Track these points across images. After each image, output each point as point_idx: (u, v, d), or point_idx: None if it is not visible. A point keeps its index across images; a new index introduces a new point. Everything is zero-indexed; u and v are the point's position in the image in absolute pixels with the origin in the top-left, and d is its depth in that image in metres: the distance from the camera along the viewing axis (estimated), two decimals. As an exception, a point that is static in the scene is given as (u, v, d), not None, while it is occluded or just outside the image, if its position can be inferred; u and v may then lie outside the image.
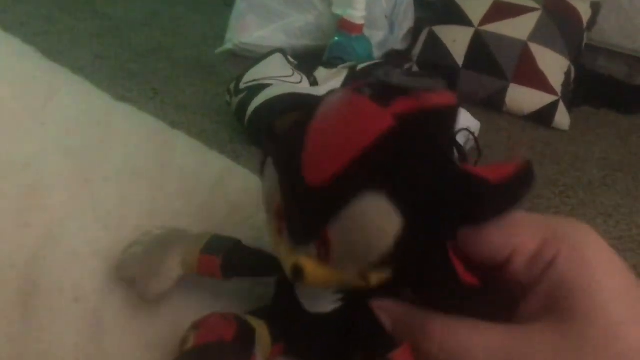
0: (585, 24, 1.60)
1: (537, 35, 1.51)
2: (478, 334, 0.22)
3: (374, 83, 0.22)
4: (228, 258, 0.28)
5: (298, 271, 0.22)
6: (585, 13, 1.60)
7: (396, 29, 1.69)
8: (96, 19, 1.75)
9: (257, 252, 0.28)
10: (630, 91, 1.71)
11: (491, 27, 1.54)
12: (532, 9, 1.56)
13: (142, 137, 0.44)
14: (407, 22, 1.73)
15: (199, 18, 1.87)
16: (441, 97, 0.22)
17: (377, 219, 0.20)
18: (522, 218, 0.22)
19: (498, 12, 1.56)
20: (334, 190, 0.20)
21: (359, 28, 1.49)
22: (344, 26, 1.49)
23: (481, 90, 1.50)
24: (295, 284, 0.25)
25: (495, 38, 1.52)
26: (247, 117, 1.15)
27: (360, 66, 1.25)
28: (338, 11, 1.51)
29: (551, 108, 1.47)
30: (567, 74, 1.52)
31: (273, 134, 0.25)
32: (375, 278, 0.22)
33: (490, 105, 1.51)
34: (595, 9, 1.64)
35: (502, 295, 0.24)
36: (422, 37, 1.63)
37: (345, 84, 1.20)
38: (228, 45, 1.60)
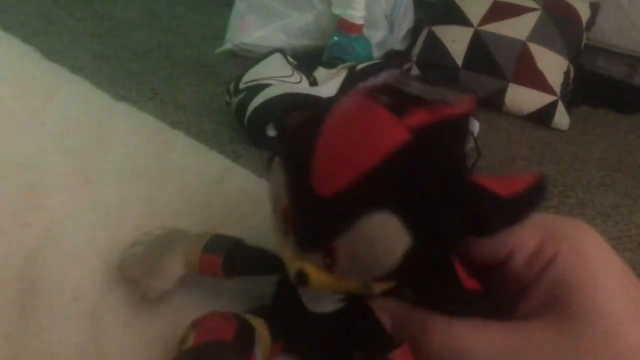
0: (584, 24, 1.60)
1: (537, 35, 1.51)
2: (478, 331, 0.22)
3: (389, 89, 0.21)
4: (229, 257, 0.28)
5: (302, 277, 0.22)
6: (584, 13, 1.60)
7: (396, 29, 1.69)
8: (96, 19, 1.75)
9: (259, 250, 0.28)
10: (629, 91, 1.71)
11: (490, 27, 1.54)
12: (531, 9, 1.56)
13: (141, 137, 0.44)
14: (406, 22, 1.73)
15: (199, 18, 1.87)
16: (458, 106, 0.21)
17: (387, 238, 0.20)
18: None
19: (497, 12, 1.56)
20: (345, 204, 0.20)
21: (359, 28, 1.49)
22: (343, 26, 1.49)
23: (480, 90, 1.50)
24: (298, 288, 0.25)
25: (494, 38, 1.52)
26: (246, 117, 1.15)
27: (359, 66, 1.25)
28: (337, 11, 1.51)
29: (550, 108, 1.47)
30: (567, 74, 1.52)
31: (283, 131, 0.24)
32: (380, 288, 0.22)
33: (489, 105, 1.51)
34: (595, 9, 1.64)
35: (502, 299, 0.24)
36: (422, 37, 1.63)
37: (345, 83, 1.20)
38: (228, 45, 1.59)
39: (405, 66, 1.44)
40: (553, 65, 1.50)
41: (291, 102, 1.10)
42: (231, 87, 1.20)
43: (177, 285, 0.29)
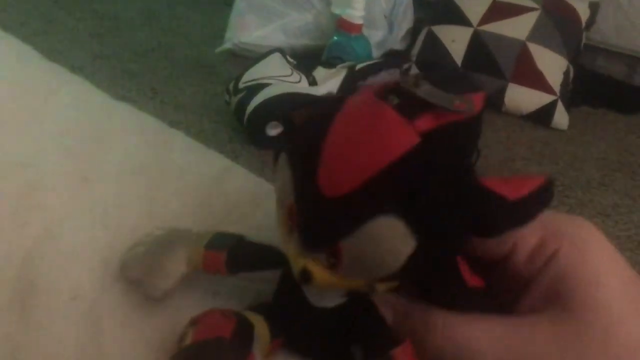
0: (583, 24, 1.60)
1: (536, 35, 1.51)
2: (480, 325, 0.22)
3: (398, 89, 0.21)
4: (233, 253, 0.28)
5: (306, 275, 0.22)
6: (583, 13, 1.60)
7: (395, 29, 1.69)
8: (96, 18, 1.75)
9: (262, 246, 0.28)
10: (629, 91, 1.71)
11: (490, 27, 1.54)
12: (530, 9, 1.56)
13: (141, 136, 0.44)
14: (406, 21, 1.73)
15: (199, 18, 1.87)
16: (467, 108, 0.21)
17: (392, 241, 0.20)
18: None
19: (497, 12, 1.56)
20: (351, 206, 0.20)
21: (358, 28, 1.49)
22: (343, 26, 1.49)
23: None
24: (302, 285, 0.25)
25: (494, 38, 1.52)
26: (246, 117, 1.15)
27: (359, 66, 1.25)
28: (337, 11, 1.51)
29: (550, 108, 1.47)
30: (566, 73, 1.52)
31: (290, 127, 0.24)
32: (383, 287, 0.22)
33: (489, 105, 1.51)
34: (594, 8, 1.64)
35: (503, 295, 0.24)
36: (421, 37, 1.63)
37: (344, 83, 1.20)
38: (227, 45, 1.59)
39: (405, 66, 1.44)
40: (552, 65, 1.51)
41: (290, 102, 1.10)
42: (231, 86, 1.20)
43: (180, 284, 0.29)
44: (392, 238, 0.20)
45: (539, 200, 0.21)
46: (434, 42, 1.59)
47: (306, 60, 1.35)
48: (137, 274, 0.29)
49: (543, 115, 1.47)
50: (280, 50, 1.26)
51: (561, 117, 1.47)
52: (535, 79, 1.48)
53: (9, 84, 0.47)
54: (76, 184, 0.37)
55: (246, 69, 1.20)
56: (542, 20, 1.54)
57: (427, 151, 0.20)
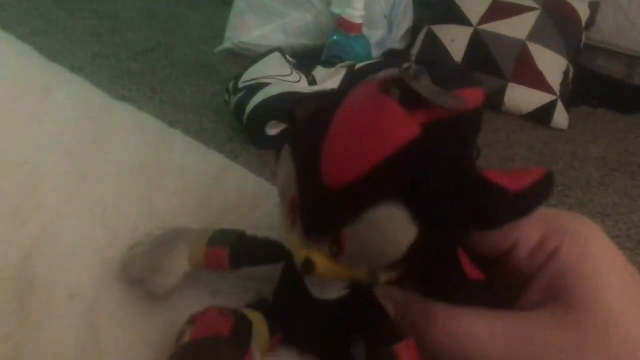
0: (583, 24, 1.60)
1: (536, 34, 1.51)
2: (481, 319, 0.22)
3: (400, 82, 0.21)
4: (235, 249, 0.28)
5: (309, 265, 0.22)
6: (583, 13, 1.60)
7: (395, 29, 1.69)
8: (95, 18, 1.75)
9: (263, 241, 0.29)
10: (628, 91, 1.71)
11: (490, 27, 1.54)
12: (530, 9, 1.56)
13: (141, 136, 0.44)
14: (406, 21, 1.73)
15: (198, 17, 1.87)
16: (469, 102, 0.21)
17: (394, 229, 0.20)
18: None
19: (497, 12, 1.56)
20: (353, 196, 0.20)
21: (358, 27, 1.49)
22: (342, 25, 1.49)
23: (480, 89, 1.50)
24: (304, 276, 0.25)
25: (494, 37, 1.52)
26: (245, 116, 1.15)
27: (358, 65, 1.25)
28: (337, 10, 1.51)
29: (550, 107, 1.47)
30: (566, 73, 1.52)
31: (293, 121, 0.24)
32: (385, 277, 0.23)
33: (489, 104, 1.51)
34: (594, 8, 1.64)
35: (504, 291, 0.24)
36: (421, 37, 1.63)
37: (344, 82, 1.20)
38: (227, 45, 1.59)
39: (405, 65, 1.43)
40: (552, 65, 1.51)
41: (290, 102, 1.10)
42: (230, 86, 1.20)
43: (183, 282, 0.29)
44: (394, 226, 0.20)
45: (540, 192, 0.21)
46: (433, 41, 1.59)
47: (306, 59, 1.35)
48: (139, 273, 0.29)
49: (543, 115, 1.47)
50: (280, 50, 1.26)
51: (561, 117, 1.47)
52: (535, 79, 1.48)
53: (9, 84, 0.47)
54: (76, 184, 0.37)
55: (246, 68, 1.20)
56: (542, 20, 1.54)
57: (429, 142, 0.20)
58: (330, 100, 0.22)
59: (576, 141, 1.43)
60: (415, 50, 1.62)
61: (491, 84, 1.50)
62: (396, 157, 0.20)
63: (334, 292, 0.25)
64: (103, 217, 0.35)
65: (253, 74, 1.18)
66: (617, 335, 0.20)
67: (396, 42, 1.71)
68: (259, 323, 0.26)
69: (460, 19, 1.58)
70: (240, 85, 1.17)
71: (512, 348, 0.21)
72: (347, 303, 0.25)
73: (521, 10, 1.56)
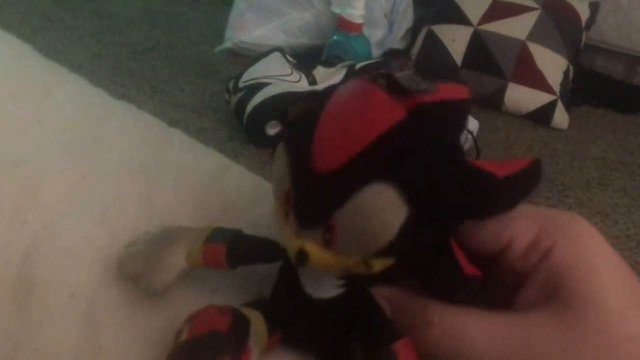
0: (583, 24, 1.60)
1: (536, 34, 1.52)
2: (479, 320, 0.22)
3: (386, 75, 0.22)
4: (232, 247, 0.28)
5: (303, 255, 0.22)
6: (583, 13, 1.60)
7: (395, 28, 1.69)
8: (95, 17, 1.75)
9: (260, 239, 0.29)
10: (628, 91, 1.71)
11: (490, 27, 1.54)
12: (530, 9, 1.56)
13: (140, 135, 0.44)
14: (406, 21, 1.73)
15: (198, 16, 1.87)
16: (455, 91, 0.22)
17: (383, 210, 0.20)
18: (519, 209, 0.22)
19: (497, 12, 1.56)
20: (342, 178, 0.21)
21: (358, 27, 1.49)
22: (342, 25, 1.49)
23: (480, 89, 1.51)
24: (299, 268, 0.25)
25: (494, 37, 1.52)
26: (245, 116, 1.15)
27: (358, 65, 1.25)
28: (337, 10, 1.51)
29: (550, 107, 1.47)
30: (566, 73, 1.52)
31: (286, 120, 0.25)
32: (379, 265, 0.23)
33: (488, 104, 1.51)
34: (594, 8, 1.65)
35: (500, 290, 0.24)
36: (421, 36, 1.63)
37: (344, 81, 1.20)
38: (227, 44, 1.60)
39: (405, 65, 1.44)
40: (552, 65, 1.51)
41: (290, 101, 1.10)
42: (230, 85, 1.20)
43: (180, 279, 0.29)
44: (383, 206, 0.20)
45: (529, 178, 0.21)
46: (433, 41, 1.59)
47: (306, 59, 1.35)
48: (136, 270, 0.29)
49: (543, 115, 1.47)
50: (280, 50, 1.26)
51: (561, 117, 1.47)
52: (535, 79, 1.48)
53: (7, 83, 0.47)
54: (75, 183, 0.37)
55: (246, 68, 1.20)
56: (542, 20, 1.54)
57: (415, 125, 0.21)
58: (321, 96, 0.23)
59: (576, 141, 1.43)
60: (415, 50, 1.62)
61: (491, 84, 1.50)
62: (382, 139, 0.20)
63: (329, 290, 0.25)
64: (103, 217, 0.35)
65: (253, 73, 1.18)
66: (617, 334, 0.20)
67: (396, 41, 1.71)
68: (257, 321, 0.26)
69: (461, 19, 1.58)
70: (241, 84, 1.17)
71: (512, 348, 0.21)
72: (344, 303, 0.25)
73: (521, 10, 1.56)
